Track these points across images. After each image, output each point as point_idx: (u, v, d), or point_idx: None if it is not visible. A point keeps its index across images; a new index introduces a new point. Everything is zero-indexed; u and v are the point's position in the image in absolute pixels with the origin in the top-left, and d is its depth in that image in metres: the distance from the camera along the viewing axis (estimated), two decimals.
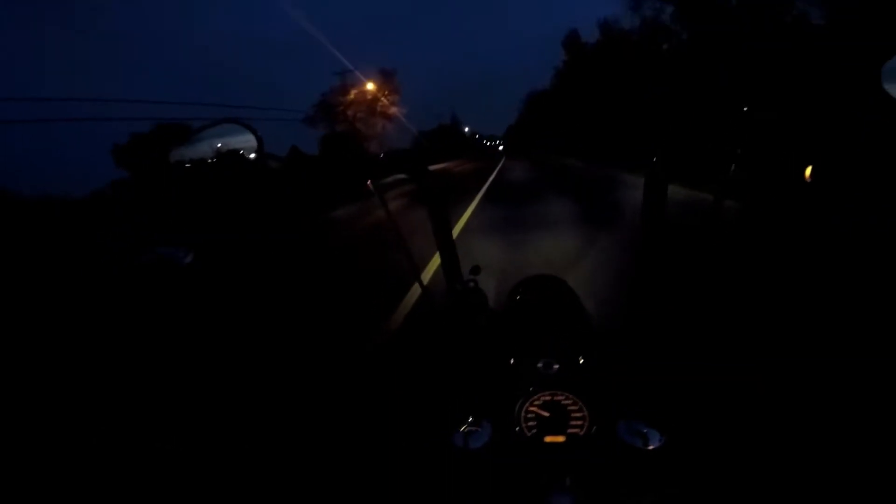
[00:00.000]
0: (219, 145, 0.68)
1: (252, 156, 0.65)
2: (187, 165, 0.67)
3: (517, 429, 0.73)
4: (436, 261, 3.49)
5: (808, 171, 0.93)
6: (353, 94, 33.04)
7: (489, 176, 16.25)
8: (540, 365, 0.82)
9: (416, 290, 3.38)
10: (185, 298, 3.72)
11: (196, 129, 0.69)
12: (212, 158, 0.68)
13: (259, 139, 0.65)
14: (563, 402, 0.75)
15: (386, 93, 34.64)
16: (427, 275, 3.48)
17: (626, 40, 23.29)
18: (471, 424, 0.73)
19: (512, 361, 0.87)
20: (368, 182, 0.83)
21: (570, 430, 0.72)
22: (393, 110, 35.14)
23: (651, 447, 0.68)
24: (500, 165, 24.99)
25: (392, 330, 3.04)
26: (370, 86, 32.92)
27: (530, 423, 0.73)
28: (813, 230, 4.01)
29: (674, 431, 0.70)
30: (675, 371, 0.91)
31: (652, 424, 0.70)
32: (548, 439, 0.71)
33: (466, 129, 75.34)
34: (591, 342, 0.96)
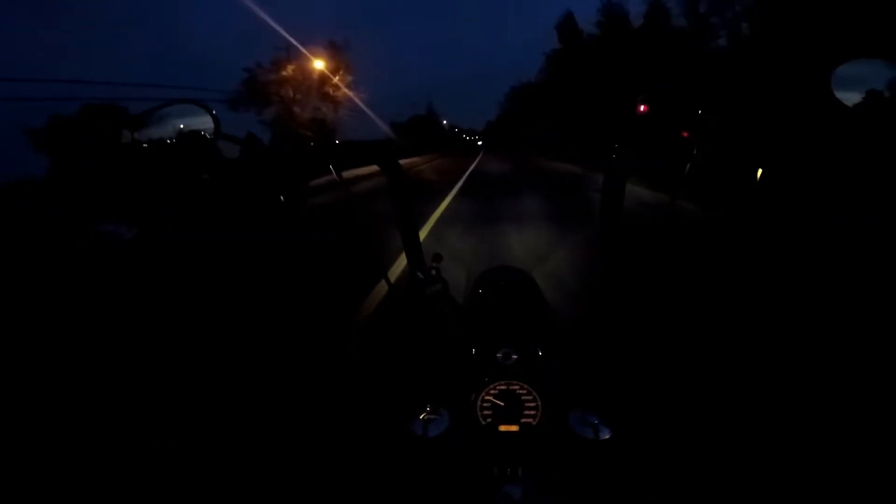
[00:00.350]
0: (181, 126, 0.65)
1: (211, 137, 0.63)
2: (144, 146, 0.64)
3: (473, 417, 0.75)
4: (402, 261, 3.47)
5: (759, 173, 0.98)
6: (290, 69, 25.84)
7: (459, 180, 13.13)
8: (499, 355, 0.84)
9: (382, 286, 3.37)
10: (133, 276, 3.57)
11: (151, 109, 0.66)
12: (171, 139, 0.65)
13: (216, 120, 0.63)
14: (517, 391, 0.77)
15: (337, 70, 27.33)
16: (394, 274, 3.48)
17: (627, 27, 22.45)
18: (430, 412, 0.75)
19: (473, 351, 0.88)
20: (331, 168, 0.82)
21: (523, 420, 0.74)
22: (344, 93, 27.90)
23: (601, 438, 0.70)
24: (473, 166, 20.91)
25: (360, 321, 3.02)
26: (317, 64, 25.62)
27: (486, 412, 0.75)
28: (764, 231, 4.23)
29: (624, 424, 0.73)
30: (631, 364, 0.94)
31: (603, 416, 0.72)
32: (502, 428, 0.73)
33: (445, 123, 70.72)
34: (550, 333, 0.98)
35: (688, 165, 1.03)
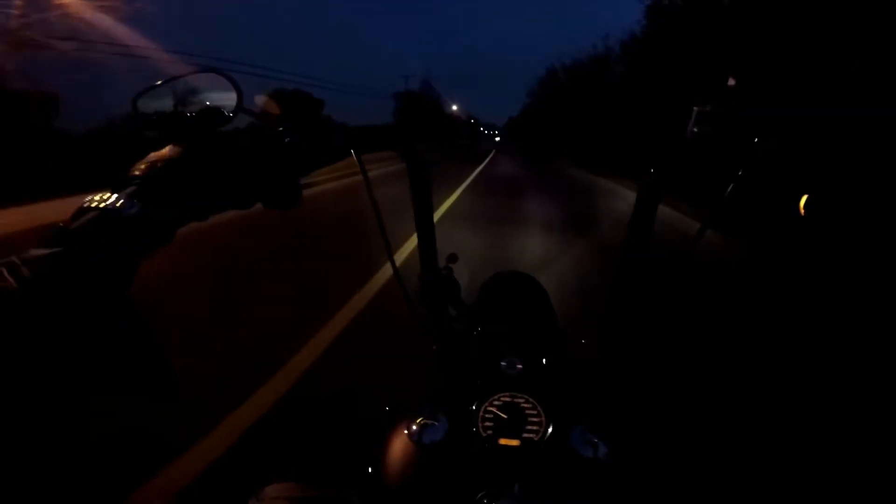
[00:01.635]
0: (197, 98, 0.63)
1: (230, 113, 0.60)
2: (153, 117, 0.62)
3: (474, 428, 0.72)
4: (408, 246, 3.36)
5: (803, 201, 0.92)
6: None
7: None
8: (503, 363, 0.81)
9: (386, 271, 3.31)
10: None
11: (167, 78, 0.64)
12: (190, 112, 0.63)
13: (239, 92, 0.60)
14: (521, 404, 0.74)
15: None
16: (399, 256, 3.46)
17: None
18: (427, 417, 0.73)
19: (475, 357, 0.85)
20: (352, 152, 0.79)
21: (525, 435, 0.71)
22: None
23: (601, 458, 0.68)
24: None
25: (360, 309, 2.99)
26: None
27: (487, 424, 0.73)
28: (802, 265, 4.04)
29: (626, 443, 0.71)
30: (638, 378, 0.91)
31: (604, 435, 0.70)
32: (502, 441, 0.71)
33: (455, 108, 55.18)
34: (557, 344, 0.95)
35: (730, 186, 0.96)
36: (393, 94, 44.69)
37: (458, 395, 0.78)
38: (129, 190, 0.51)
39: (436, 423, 0.72)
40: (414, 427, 0.72)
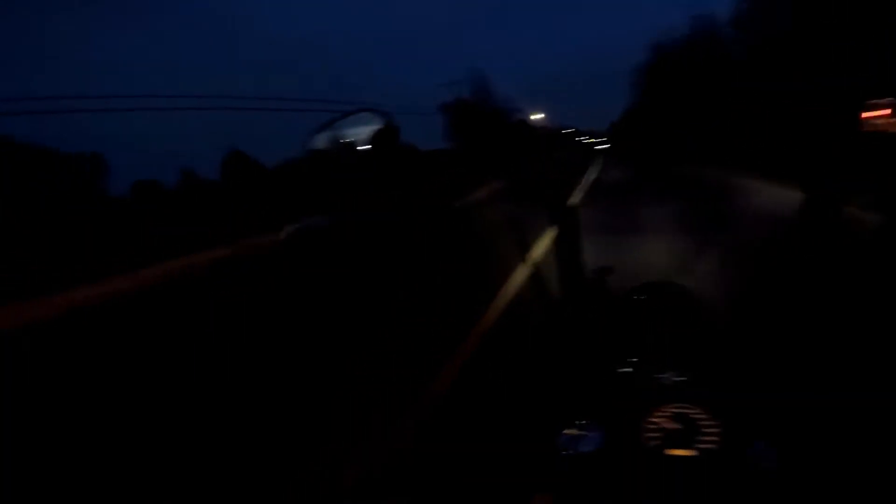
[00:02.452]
0: (357, 133, 0.71)
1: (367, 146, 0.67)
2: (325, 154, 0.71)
3: (637, 439, 0.70)
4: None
5: None
6: None
7: None
8: (665, 375, 0.79)
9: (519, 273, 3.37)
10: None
11: (331, 119, 0.73)
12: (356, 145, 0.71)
13: (395, 127, 0.66)
14: (693, 415, 0.71)
15: None
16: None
17: None
18: (579, 427, 0.72)
19: (626, 369, 0.84)
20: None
21: (699, 446, 0.68)
22: None
23: (781, 471, 0.63)
24: None
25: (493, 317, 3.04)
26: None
27: (652, 434, 0.70)
28: None
29: (805, 457, 0.66)
30: (808, 396, 0.81)
31: (783, 448, 0.65)
32: (671, 452, 0.68)
33: (540, 118, 40.62)
34: (716, 355, 0.90)
35: None
36: (438, 106, 33.04)
37: (615, 407, 0.76)
38: None
39: (588, 434, 0.71)
40: (566, 437, 0.71)
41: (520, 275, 3.97)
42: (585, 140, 79.60)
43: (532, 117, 40.43)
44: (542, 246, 4.77)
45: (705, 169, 14.44)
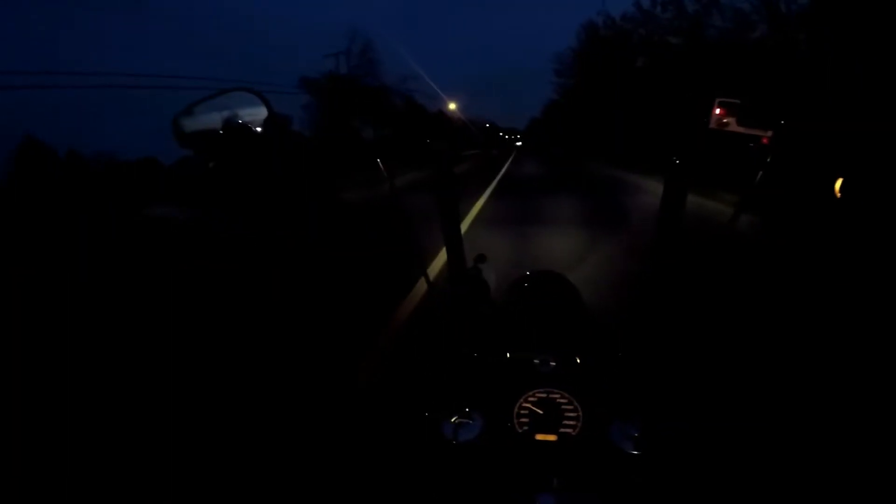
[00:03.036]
0: (226, 115, 0.66)
1: (258, 129, 0.63)
2: (191, 136, 0.65)
3: (509, 424, 0.73)
4: (442, 256, 3.47)
5: (839, 184, 0.89)
6: None
7: None
8: (536, 361, 0.81)
9: (423, 285, 3.42)
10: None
11: (201, 98, 0.67)
12: (220, 130, 0.66)
13: (269, 107, 0.62)
14: (557, 400, 0.74)
15: None
16: (434, 270, 3.51)
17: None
18: (462, 416, 0.73)
19: (508, 355, 0.85)
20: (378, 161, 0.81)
21: (562, 430, 0.71)
22: None
23: (641, 452, 0.68)
24: None
25: (398, 323, 3.06)
26: None
27: (523, 420, 0.73)
28: (840, 250, 3.89)
29: (665, 437, 0.70)
30: (674, 378, 0.89)
31: (644, 429, 0.69)
32: (539, 437, 0.71)
33: (454, 108, 37.63)
34: (591, 341, 0.95)
35: (759, 173, 0.94)
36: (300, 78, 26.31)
37: (492, 394, 0.78)
38: None
39: (470, 422, 0.73)
40: (449, 426, 0.72)
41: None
42: (507, 137, 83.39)
43: (450, 107, 37.53)
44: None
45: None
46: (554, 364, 0.80)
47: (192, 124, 0.66)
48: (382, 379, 2.37)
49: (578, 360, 0.83)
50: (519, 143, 74.91)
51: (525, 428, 0.72)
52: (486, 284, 1.08)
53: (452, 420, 0.73)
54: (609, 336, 0.98)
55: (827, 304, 2.88)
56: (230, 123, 0.65)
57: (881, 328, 2.42)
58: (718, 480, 0.71)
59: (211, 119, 0.66)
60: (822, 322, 2.61)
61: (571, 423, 0.72)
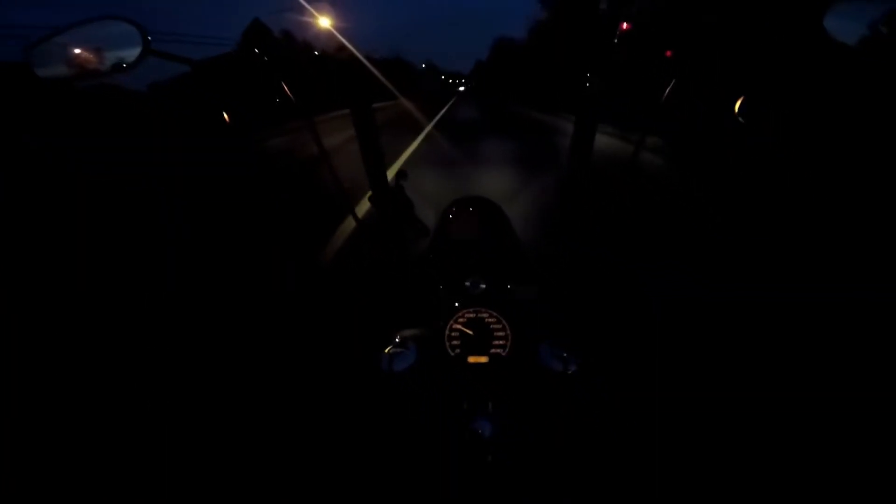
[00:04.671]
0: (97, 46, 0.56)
1: (134, 58, 0.54)
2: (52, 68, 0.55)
3: (442, 349, 0.73)
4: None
5: (739, 103, 0.94)
6: None
7: None
8: (467, 283, 0.82)
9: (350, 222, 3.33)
10: None
11: (66, 25, 0.56)
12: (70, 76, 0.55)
13: (146, 36, 0.54)
14: (487, 319, 0.75)
15: None
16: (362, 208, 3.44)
17: None
18: (396, 346, 0.73)
19: (441, 280, 0.86)
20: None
21: (492, 351, 0.73)
22: None
23: (570, 371, 0.70)
24: None
25: (327, 257, 2.98)
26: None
27: (454, 342, 0.74)
28: (737, 168, 4.12)
29: (591, 357, 0.72)
30: (596, 300, 0.93)
31: (571, 349, 0.71)
32: (471, 359, 0.72)
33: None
34: (519, 264, 0.97)
35: (667, 89, 0.97)
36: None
37: (424, 319, 0.78)
38: None
39: (405, 350, 0.73)
40: (385, 357, 0.72)
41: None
42: (451, 81, 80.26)
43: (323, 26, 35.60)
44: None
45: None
46: (484, 286, 0.82)
47: (45, 66, 0.55)
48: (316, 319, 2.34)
49: (508, 286, 0.85)
50: (461, 89, 71.88)
51: (457, 351, 0.73)
52: (409, 201, 1.06)
53: (387, 350, 0.73)
54: (535, 263, 0.99)
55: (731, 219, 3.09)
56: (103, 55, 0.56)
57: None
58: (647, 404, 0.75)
59: (69, 56, 0.56)
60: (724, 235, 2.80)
61: (501, 342, 0.73)
